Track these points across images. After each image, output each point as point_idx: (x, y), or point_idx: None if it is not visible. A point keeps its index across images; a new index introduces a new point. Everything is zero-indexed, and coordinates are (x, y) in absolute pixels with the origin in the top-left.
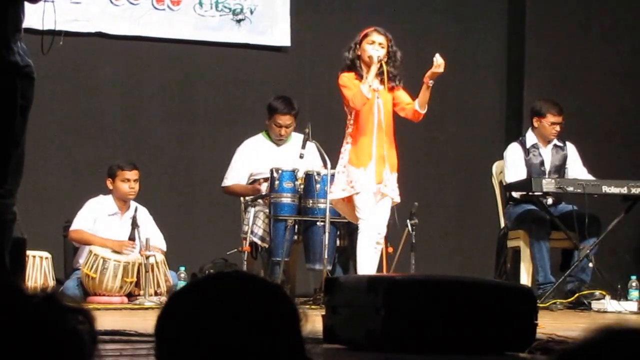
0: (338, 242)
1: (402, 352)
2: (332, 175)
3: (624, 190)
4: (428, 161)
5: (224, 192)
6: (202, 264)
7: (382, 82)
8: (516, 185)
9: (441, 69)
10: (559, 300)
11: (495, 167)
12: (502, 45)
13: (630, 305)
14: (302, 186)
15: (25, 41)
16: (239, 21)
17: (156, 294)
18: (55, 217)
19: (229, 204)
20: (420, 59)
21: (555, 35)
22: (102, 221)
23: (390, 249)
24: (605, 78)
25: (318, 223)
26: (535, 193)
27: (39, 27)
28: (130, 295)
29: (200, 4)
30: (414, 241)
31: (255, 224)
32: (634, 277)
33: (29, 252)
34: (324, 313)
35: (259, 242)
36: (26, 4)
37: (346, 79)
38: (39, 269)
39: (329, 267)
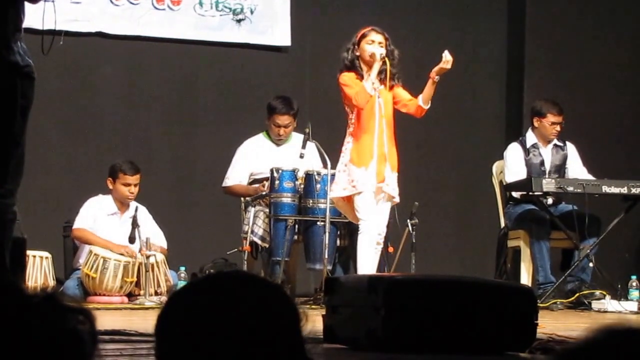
0: (338, 242)
1: (402, 352)
2: (332, 175)
3: (624, 190)
4: (428, 161)
5: (224, 192)
6: (202, 264)
7: (381, 81)
8: (516, 185)
9: (449, 66)
10: (559, 300)
11: (495, 167)
12: (502, 45)
13: (631, 305)
14: (302, 186)
15: (25, 41)
16: (239, 21)
17: (156, 293)
18: (56, 217)
19: (229, 204)
20: (420, 59)
21: (555, 35)
22: (102, 220)
23: (391, 249)
24: (605, 78)
25: (318, 223)
26: (536, 193)
27: (39, 27)
28: (131, 295)
29: (201, 3)
30: (414, 241)
31: (255, 223)
32: (634, 277)
33: (29, 252)
34: (324, 313)
35: (259, 242)
36: (26, 3)
37: (347, 77)
38: (39, 269)
39: (329, 267)
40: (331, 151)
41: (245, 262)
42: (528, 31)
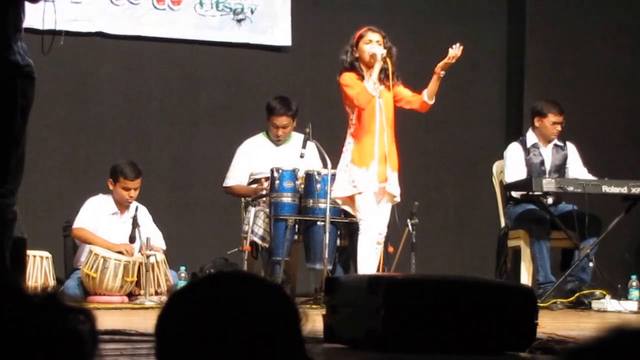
0: (338, 242)
1: (402, 351)
2: (333, 175)
3: (624, 190)
4: (428, 161)
5: (225, 192)
6: (202, 264)
7: (382, 81)
8: (516, 185)
9: (454, 60)
10: (559, 300)
11: (495, 167)
12: (502, 45)
13: (631, 305)
14: (302, 186)
15: (25, 41)
16: (239, 21)
17: (156, 293)
18: (56, 217)
19: (230, 204)
20: (420, 59)
21: (555, 35)
22: (103, 220)
23: (391, 249)
24: (605, 78)
25: (318, 223)
26: (536, 193)
27: (40, 27)
28: (131, 295)
29: (201, 3)
30: (414, 241)
31: (255, 223)
32: (634, 277)
33: (30, 252)
34: (324, 313)
35: (260, 242)
36: (27, 3)
37: (348, 77)
38: (39, 269)
39: (330, 267)
40: (331, 151)
41: (246, 262)
42: (528, 31)
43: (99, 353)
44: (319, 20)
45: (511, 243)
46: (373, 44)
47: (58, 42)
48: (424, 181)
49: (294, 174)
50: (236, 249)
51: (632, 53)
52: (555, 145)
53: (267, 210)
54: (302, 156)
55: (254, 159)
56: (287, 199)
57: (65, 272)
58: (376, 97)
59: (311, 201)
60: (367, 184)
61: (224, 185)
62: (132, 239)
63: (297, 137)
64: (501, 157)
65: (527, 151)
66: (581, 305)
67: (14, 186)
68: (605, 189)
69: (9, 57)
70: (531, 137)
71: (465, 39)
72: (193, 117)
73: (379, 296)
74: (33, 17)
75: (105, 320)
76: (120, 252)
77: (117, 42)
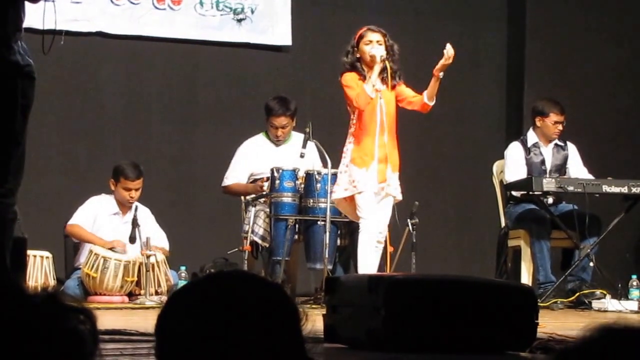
0: (339, 242)
1: (403, 351)
2: (333, 175)
3: (625, 190)
4: (428, 161)
5: (224, 192)
6: (202, 264)
7: (383, 81)
8: (517, 185)
9: (450, 60)
10: (559, 300)
11: (495, 167)
12: (502, 45)
13: (631, 305)
14: (302, 185)
15: (25, 41)
16: (239, 20)
17: (157, 293)
18: (56, 217)
19: (230, 204)
20: (420, 59)
21: (555, 35)
22: (104, 220)
23: (391, 248)
24: (605, 78)
25: (319, 222)
26: (536, 192)
27: (40, 27)
28: (131, 295)
29: (201, 3)
30: (414, 240)
31: (255, 223)
32: (634, 277)
33: (30, 252)
34: (324, 312)
35: (260, 242)
36: (27, 3)
37: (349, 78)
38: (39, 269)
39: (330, 267)
40: (331, 151)
41: (246, 262)
42: (528, 31)
43: (99, 353)
44: (319, 20)
45: (511, 243)
46: (373, 45)
47: (58, 42)
48: (424, 181)
49: (294, 173)
50: (236, 249)
51: (632, 53)
52: (556, 145)
53: (268, 210)
54: (302, 156)
55: (254, 159)
56: (287, 198)
57: (65, 272)
58: (377, 98)
59: (311, 201)
60: (368, 184)
61: (223, 184)
62: (132, 239)
63: (297, 137)
64: (501, 156)
65: (527, 151)
66: (581, 305)
67: (14, 186)
68: (606, 188)
69: (9, 57)
70: (532, 137)
71: (465, 39)
72: (193, 117)
73: (379, 296)
74: (33, 17)
75: (106, 320)
76: (112, 249)
77: (117, 42)
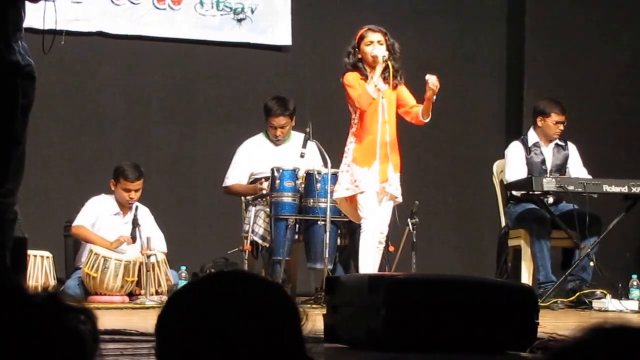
0: (339, 241)
1: (403, 351)
2: (333, 175)
3: (625, 189)
4: (429, 160)
5: (225, 192)
6: (203, 263)
7: (385, 80)
8: (517, 184)
9: (436, 89)
10: (560, 299)
11: (495, 166)
12: (502, 45)
13: (631, 304)
14: (302, 185)
15: (26, 40)
16: (239, 20)
17: (157, 293)
18: (56, 217)
19: (230, 203)
20: (420, 58)
21: (555, 34)
22: (105, 220)
23: (392, 248)
24: (605, 78)
25: (319, 222)
26: (536, 192)
27: (40, 27)
28: (131, 295)
29: (201, 3)
30: (414, 240)
31: (256, 223)
32: (634, 276)
33: (30, 252)
34: (324, 312)
35: (260, 242)
36: (27, 3)
37: (351, 78)
38: (40, 269)
39: (330, 267)
40: (332, 150)
41: (246, 262)
42: (528, 31)
43: (99, 353)
44: (319, 20)
45: (512, 242)
46: (374, 45)
47: (59, 42)
48: (424, 181)
49: (294, 173)
50: (237, 249)
51: (632, 52)
52: (557, 144)
53: (268, 209)
54: (302, 156)
55: (254, 159)
56: (287, 198)
57: (65, 271)
58: (379, 97)
59: (311, 201)
60: (369, 183)
61: (223, 185)
62: (132, 239)
63: (297, 137)
64: (501, 156)
65: (528, 150)
66: (582, 304)
67: (15, 186)
68: (606, 188)
69: (10, 57)
70: (532, 136)
71: (465, 39)
72: (193, 117)
73: (380, 296)
74: (34, 17)
75: (106, 320)
76: (116, 248)
77: (117, 42)
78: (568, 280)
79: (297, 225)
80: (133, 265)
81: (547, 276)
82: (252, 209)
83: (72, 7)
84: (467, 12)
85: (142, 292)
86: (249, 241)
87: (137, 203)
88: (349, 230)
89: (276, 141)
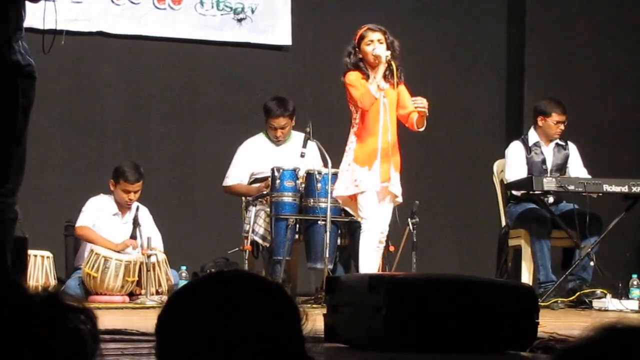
0: (339, 241)
1: (403, 351)
2: (333, 175)
3: (625, 189)
4: (429, 160)
5: (225, 192)
6: (203, 263)
7: (387, 79)
8: (517, 184)
9: (426, 107)
10: (560, 299)
11: (496, 166)
12: (502, 45)
13: (632, 304)
14: (303, 185)
15: (26, 40)
16: (240, 20)
17: (157, 293)
18: (57, 217)
19: (230, 203)
20: (420, 58)
21: (555, 34)
22: (104, 220)
23: (392, 248)
24: (605, 77)
25: (319, 222)
26: (536, 192)
27: (40, 27)
28: (132, 295)
29: (202, 3)
30: (415, 240)
31: (256, 223)
32: (635, 276)
33: (31, 252)
34: (325, 312)
35: (260, 241)
36: (27, 3)
37: (353, 77)
38: (40, 269)
39: (330, 266)
40: (332, 150)
41: (246, 262)
42: (528, 30)
43: (100, 353)
44: (319, 20)
45: (512, 242)
46: (375, 44)
47: (59, 42)
48: (424, 180)
49: (294, 173)
50: (237, 249)
51: (632, 53)
52: (557, 144)
53: (268, 209)
54: (302, 155)
55: (254, 159)
56: (287, 198)
57: (66, 271)
58: (381, 97)
59: (312, 200)
60: (370, 183)
61: (224, 184)
62: (132, 239)
63: (297, 137)
64: (501, 156)
65: (528, 150)
66: (582, 304)
67: (15, 186)
68: (606, 187)
69: (10, 57)
70: (533, 136)
71: (465, 38)
72: (193, 117)
73: (380, 295)
74: (34, 17)
75: (106, 320)
76: (121, 251)
77: (117, 42)
78: (568, 280)
79: (298, 225)
80: (133, 265)
81: (547, 276)
82: (253, 209)
83: (72, 7)
84: (467, 11)
85: (143, 292)
86: (249, 241)
87: (137, 203)
88: (349, 230)
89: (277, 141)
